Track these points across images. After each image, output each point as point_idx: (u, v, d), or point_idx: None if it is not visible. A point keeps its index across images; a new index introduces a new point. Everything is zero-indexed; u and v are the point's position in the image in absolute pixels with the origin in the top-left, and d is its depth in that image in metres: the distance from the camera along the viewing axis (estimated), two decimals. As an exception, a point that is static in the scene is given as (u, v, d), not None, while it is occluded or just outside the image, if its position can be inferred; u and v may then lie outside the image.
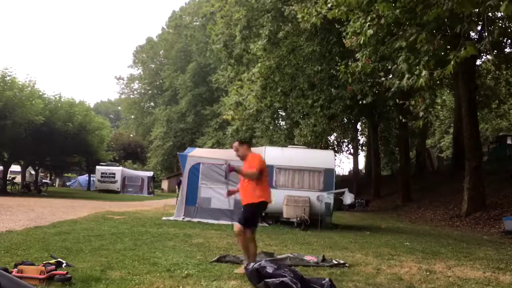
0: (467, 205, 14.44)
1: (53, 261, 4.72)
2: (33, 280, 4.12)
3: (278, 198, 11.81)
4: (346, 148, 40.43)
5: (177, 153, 15.80)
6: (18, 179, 29.04)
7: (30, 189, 26.60)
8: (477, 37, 15.35)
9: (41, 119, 20.91)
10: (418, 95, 9.06)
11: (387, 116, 25.52)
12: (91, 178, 38.73)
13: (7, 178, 25.74)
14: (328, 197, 11.79)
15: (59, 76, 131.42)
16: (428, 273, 5.70)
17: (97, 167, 33.35)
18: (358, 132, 35.96)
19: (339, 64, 11.90)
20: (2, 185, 24.21)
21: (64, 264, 4.85)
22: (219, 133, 44.54)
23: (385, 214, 19.47)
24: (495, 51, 14.59)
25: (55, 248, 6.25)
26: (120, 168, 35.08)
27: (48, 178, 42.98)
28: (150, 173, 37.80)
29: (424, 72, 7.70)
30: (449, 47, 9.63)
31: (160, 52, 59.37)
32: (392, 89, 9.78)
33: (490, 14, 11.09)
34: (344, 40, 10.78)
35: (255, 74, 17.78)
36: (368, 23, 8.97)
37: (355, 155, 37.50)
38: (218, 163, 12.42)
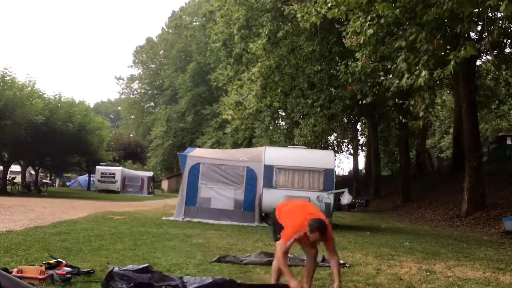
0: (467, 205, 14.42)
1: (53, 261, 4.71)
2: (33, 280, 4.12)
3: (278, 198, 11.83)
4: (346, 148, 40.46)
5: (177, 153, 15.81)
6: (18, 179, 29.01)
7: (30, 189, 26.60)
8: (477, 37, 15.34)
9: (41, 119, 20.89)
10: (417, 95, 9.06)
11: (387, 116, 25.50)
12: (91, 178, 38.72)
13: (7, 178, 25.72)
14: (328, 197, 11.78)
15: (59, 76, 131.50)
16: (428, 273, 5.70)
17: (97, 167, 33.33)
18: (358, 132, 35.95)
19: (339, 64, 11.91)
20: (2, 185, 24.19)
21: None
22: (219, 133, 44.52)
23: (385, 214, 19.46)
24: (495, 51, 14.58)
25: (55, 248, 6.25)
26: (120, 168, 35.05)
27: (48, 178, 42.94)
28: (150, 173, 37.79)
29: (424, 72, 7.70)
30: (449, 47, 9.63)
31: (160, 52, 59.32)
32: (392, 89, 9.78)
33: (490, 14, 11.08)
34: (344, 40, 10.78)
35: (255, 73, 17.78)
36: (368, 22, 8.98)
37: (355, 155, 37.48)
38: (218, 163, 12.43)
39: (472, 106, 15.32)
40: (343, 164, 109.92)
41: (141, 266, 4.17)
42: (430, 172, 29.80)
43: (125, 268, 4.12)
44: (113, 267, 4.09)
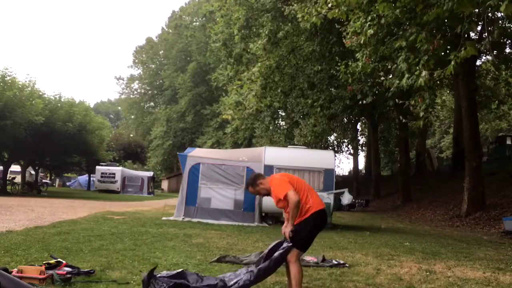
0: (467, 205, 14.43)
1: (53, 261, 4.71)
2: (33, 280, 4.12)
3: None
4: (346, 148, 40.54)
5: (177, 153, 15.79)
6: (18, 179, 29.01)
7: (31, 189, 26.60)
8: (477, 37, 15.34)
9: (41, 119, 20.89)
10: (417, 95, 9.06)
11: (387, 116, 25.52)
12: (91, 178, 38.70)
13: (7, 178, 25.72)
14: (328, 197, 11.78)
15: (59, 76, 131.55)
16: (428, 273, 5.70)
17: (97, 167, 33.34)
18: (358, 132, 36.00)
19: (339, 64, 11.90)
20: (2, 185, 24.19)
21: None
22: (218, 133, 44.55)
23: (385, 214, 19.46)
24: (495, 51, 14.58)
25: (55, 248, 6.25)
26: (120, 168, 35.04)
27: (48, 178, 42.93)
28: (150, 173, 37.79)
29: (424, 73, 7.70)
30: (449, 47, 9.63)
31: (160, 52, 59.33)
32: (392, 89, 9.78)
33: (490, 14, 11.07)
34: (344, 40, 10.78)
35: (255, 73, 17.78)
36: (369, 23, 8.99)
37: (355, 155, 37.53)
38: (218, 163, 12.42)
39: (472, 106, 15.32)
40: (343, 164, 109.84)
41: (175, 272, 4.03)
42: (430, 172, 29.82)
43: (159, 274, 3.96)
44: (152, 270, 3.95)
